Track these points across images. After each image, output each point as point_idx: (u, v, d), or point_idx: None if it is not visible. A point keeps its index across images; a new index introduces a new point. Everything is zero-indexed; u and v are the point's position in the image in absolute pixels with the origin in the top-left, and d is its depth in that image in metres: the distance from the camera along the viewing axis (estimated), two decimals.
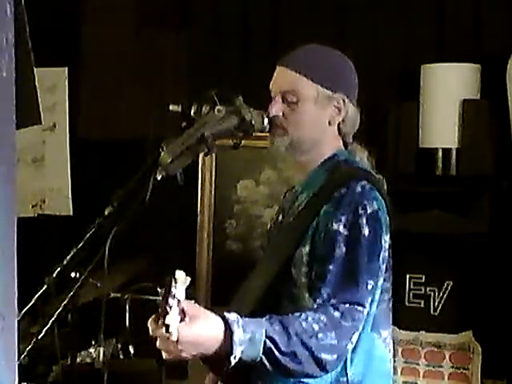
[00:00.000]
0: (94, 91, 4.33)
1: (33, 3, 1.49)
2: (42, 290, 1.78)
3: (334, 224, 1.78)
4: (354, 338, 1.74)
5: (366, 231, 1.77)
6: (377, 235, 1.80)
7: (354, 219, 1.78)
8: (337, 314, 1.71)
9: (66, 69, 4.36)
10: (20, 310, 1.66)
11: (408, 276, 3.26)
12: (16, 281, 1.05)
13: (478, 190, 3.22)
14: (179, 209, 3.93)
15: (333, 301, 1.72)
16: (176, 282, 1.51)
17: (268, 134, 1.96)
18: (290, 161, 2.02)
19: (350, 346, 1.74)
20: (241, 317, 1.67)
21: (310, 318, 1.68)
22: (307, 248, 1.82)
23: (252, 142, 3.52)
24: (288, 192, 2.14)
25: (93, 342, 3.10)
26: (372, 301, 1.80)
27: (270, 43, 3.97)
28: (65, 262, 1.79)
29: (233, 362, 1.61)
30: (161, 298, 1.53)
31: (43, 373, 2.90)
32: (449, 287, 3.23)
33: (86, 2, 4.38)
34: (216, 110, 1.81)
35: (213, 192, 3.82)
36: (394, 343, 1.96)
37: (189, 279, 1.54)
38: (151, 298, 3.42)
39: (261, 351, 1.62)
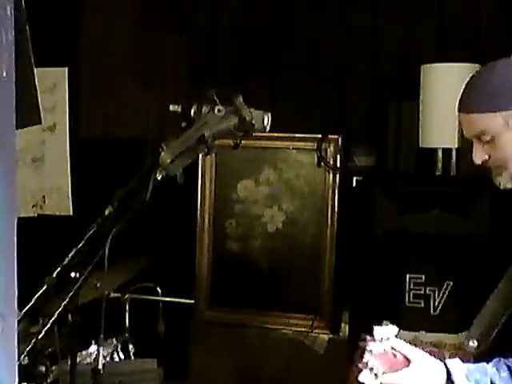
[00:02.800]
0: (93, 91, 4.33)
1: (33, 3, 1.49)
2: (42, 290, 1.78)
3: None
4: None
5: None
6: None
7: None
8: None
9: (66, 69, 4.36)
10: (20, 309, 1.66)
11: (408, 276, 3.25)
12: (16, 281, 1.05)
13: (477, 190, 3.22)
14: (179, 209, 3.94)
15: None
16: (373, 339, 1.57)
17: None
18: None
19: None
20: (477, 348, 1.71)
21: None
22: None
23: (252, 142, 3.55)
24: None
25: (93, 342, 3.10)
26: None
27: (270, 43, 3.97)
28: (65, 262, 1.79)
29: None
30: (358, 354, 1.59)
31: (43, 373, 2.89)
32: (449, 287, 3.22)
33: (86, 2, 4.38)
34: (216, 109, 1.80)
35: (213, 192, 3.82)
36: None
37: (396, 329, 1.61)
38: (151, 298, 3.43)
39: None
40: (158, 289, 3.40)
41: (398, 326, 1.88)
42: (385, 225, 3.33)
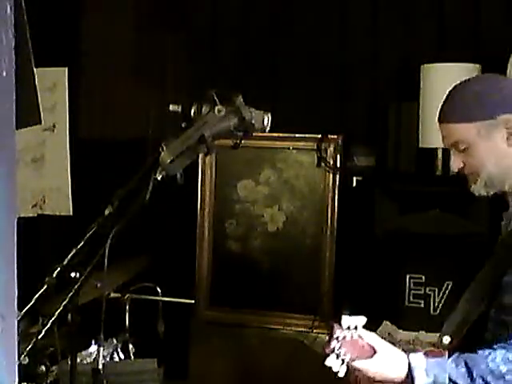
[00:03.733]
0: (94, 91, 4.33)
1: (33, 3, 1.49)
2: (42, 290, 1.78)
3: None
4: None
5: None
6: None
7: None
8: None
9: (66, 69, 4.36)
10: (20, 310, 1.66)
11: (408, 276, 3.25)
12: (16, 281, 1.05)
13: None
14: (179, 209, 3.93)
15: None
16: (340, 327, 1.64)
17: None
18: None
19: None
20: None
21: (498, 359, 1.67)
22: None
23: (252, 142, 3.55)
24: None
25: (93, 342, 3.10)
26: None
27: (270, 43, 3.97)
28: (65, 262, 1.79)
29: None
30: (327, 340, 1.67)
31: (43, 373, 2.89)
32: (449, 287, 3.23)
33: (86, 2, 4.38)
34: (216, 110, 1.81)
35: (213, 192, 3.81)
36: (393, 344, 1.97)
37: (364, 319, 1.68)
38: (151, 297, 3.43)
39: None
40: (158, 289, 3.40)
41: (397, 326, 1.89)
42: (385, 225, 3.33)
